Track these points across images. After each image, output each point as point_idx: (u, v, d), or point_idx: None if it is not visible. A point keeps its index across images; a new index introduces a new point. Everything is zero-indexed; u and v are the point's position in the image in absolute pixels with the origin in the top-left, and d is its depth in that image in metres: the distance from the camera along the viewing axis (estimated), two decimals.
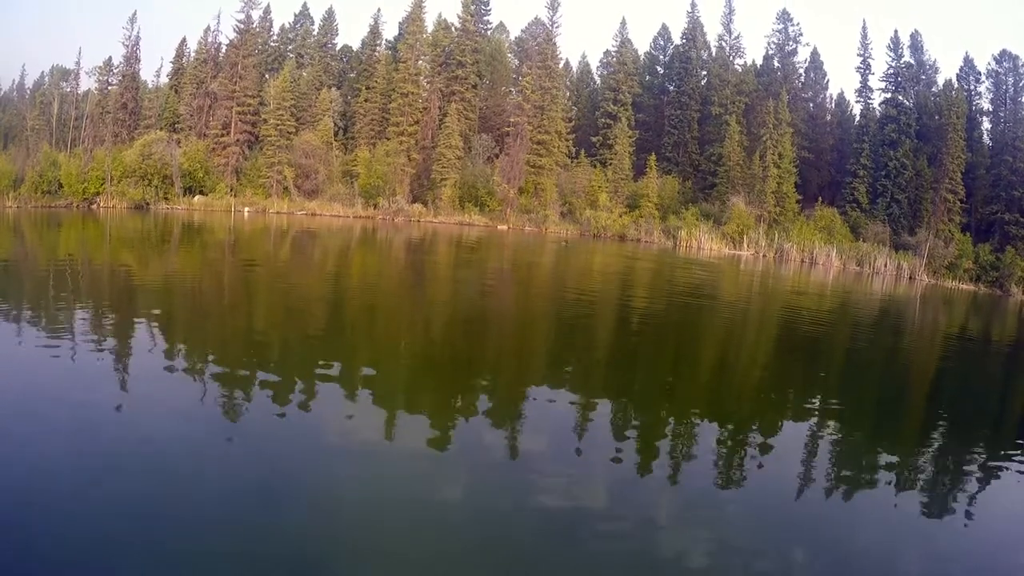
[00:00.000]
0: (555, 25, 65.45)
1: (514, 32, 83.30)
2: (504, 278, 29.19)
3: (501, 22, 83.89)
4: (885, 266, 51.26)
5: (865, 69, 66.40)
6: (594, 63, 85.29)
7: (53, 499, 6.35)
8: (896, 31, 64.82)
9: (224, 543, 5.96)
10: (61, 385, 9.69)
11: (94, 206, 50.74)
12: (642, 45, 78.64)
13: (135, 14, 68.44)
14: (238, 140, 61.55)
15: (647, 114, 73.06)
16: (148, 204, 52.47)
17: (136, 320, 14.68)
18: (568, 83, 78.33)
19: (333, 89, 69.31)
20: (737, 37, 72.01)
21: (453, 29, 70.33)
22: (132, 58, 66.56)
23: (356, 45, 76.65)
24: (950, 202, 57.33)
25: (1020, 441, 12.15)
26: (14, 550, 5.56)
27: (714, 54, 72.47)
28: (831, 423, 11.61)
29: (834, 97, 77.16)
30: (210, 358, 12.00)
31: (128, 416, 8.74)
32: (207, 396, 9.71)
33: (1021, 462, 10.57)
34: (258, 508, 6.62)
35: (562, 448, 9.10)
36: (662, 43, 77.25)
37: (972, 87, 63.63)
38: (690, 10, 71.86)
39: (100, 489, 6.64)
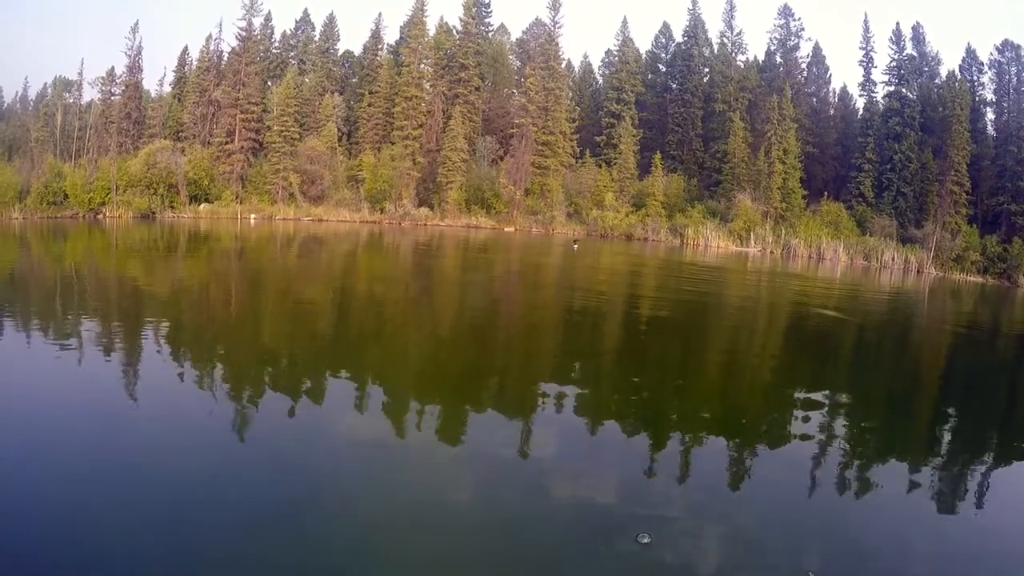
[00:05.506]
0: (557, 25, 65.59)
1: (515, 33, 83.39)
2: (514, 280, 29.20)
3: (502, 24, 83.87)
4: (892, 260, 51.07)
5: (868, 63, 66.19)
6: (596, 63, 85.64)
7: (67, 509, 6.37)
8: (898, 23, 64.51)
9: (238, 548, 5.96)
10: (73, 395, 9.70)
11: (100, 216, 51.05)
12: (644, 43, 78.73)
13: (137, 24, 69.39)
14: (242, 147, 61.81)
15: (651, 112, 73.02)
16: (154, 213, 52.79)
17: (145, 329, 14.72)
18: (571, 83, 78.31)
19: (336, 95, 69.50)
20: (739, 33, 72.05)
21: (455, 32, 70.47)
22: (135, 68, 67.08)
23: (358, 50, 76.96)
24: (956, 194, 57.07)
25: None
26: (32, 561, 5.57)
27: (716, 51, 72.40)
28: (842, 418, 11.56)
29: (837, 91, 77.21)
30: (221, 364, 12.04)
31: (140, 424, 8.75)
32: (220, 402, 9.73)
33: None
34: (271, 512, 6.61)
35: (574, 449, 9.09)
36: (664, 41, 77.19)
37: (975, 78, 63.37)
38: (691, 7, 71.93)
39: (113, 497, 6.64)
